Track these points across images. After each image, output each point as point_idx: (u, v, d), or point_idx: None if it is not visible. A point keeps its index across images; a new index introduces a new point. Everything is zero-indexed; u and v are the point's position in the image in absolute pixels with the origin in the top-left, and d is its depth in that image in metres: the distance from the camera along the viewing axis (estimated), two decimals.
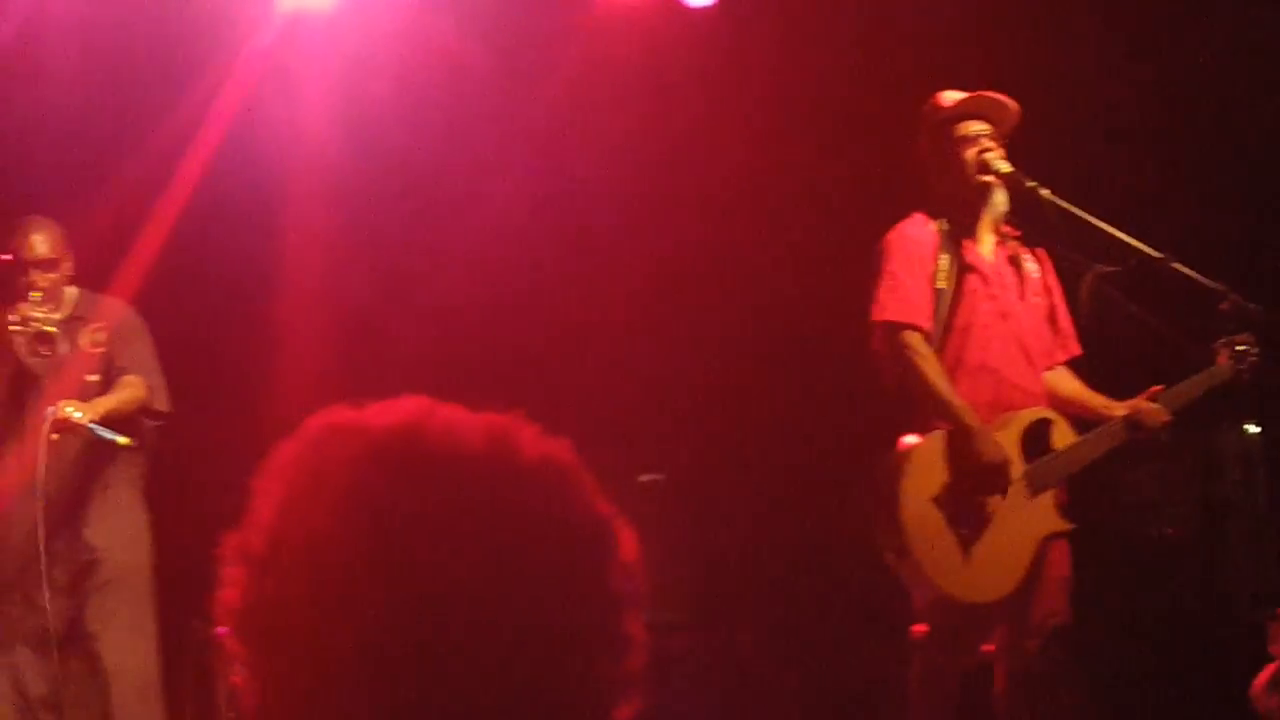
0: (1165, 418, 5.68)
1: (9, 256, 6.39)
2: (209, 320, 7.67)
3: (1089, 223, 5.69)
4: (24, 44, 7.34)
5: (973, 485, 5.48)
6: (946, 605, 5.54)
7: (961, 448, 5.49)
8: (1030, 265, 5.85)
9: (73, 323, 6.43)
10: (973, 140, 5.74)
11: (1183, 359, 5.80)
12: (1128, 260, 5.67)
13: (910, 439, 5.59)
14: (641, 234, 8.17)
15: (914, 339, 5.63)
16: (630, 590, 1.51)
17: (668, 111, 8.09)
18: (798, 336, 7.88)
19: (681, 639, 7.28)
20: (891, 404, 5.72)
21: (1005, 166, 5.71)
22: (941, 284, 5.70)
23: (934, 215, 5.80)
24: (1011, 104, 5.81)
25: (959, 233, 5.77)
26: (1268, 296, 5.78)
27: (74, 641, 6.39)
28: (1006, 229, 5.84)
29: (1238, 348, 5.75)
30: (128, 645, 6.44)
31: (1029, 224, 5.83)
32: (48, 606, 6.23)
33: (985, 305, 5.72)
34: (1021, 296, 5.80)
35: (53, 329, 6.24)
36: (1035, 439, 5.62)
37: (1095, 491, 5.91)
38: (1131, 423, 5.68)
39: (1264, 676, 6.55)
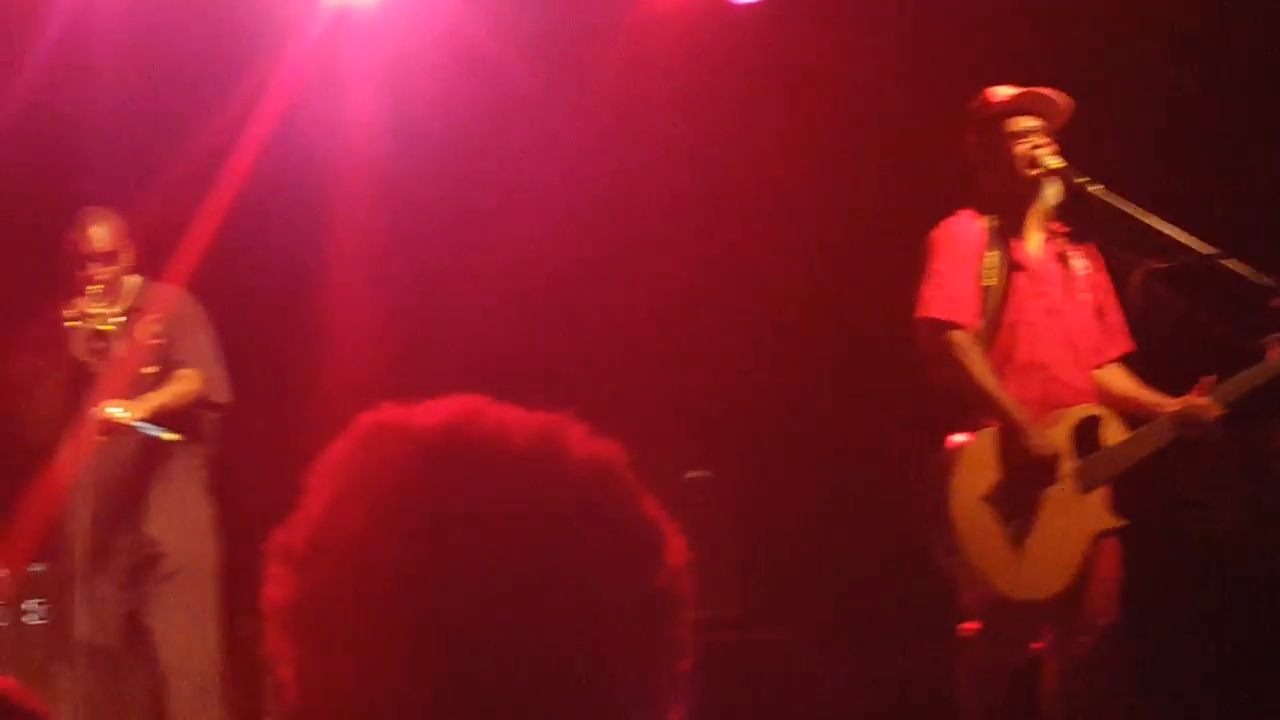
0: (1216, 412, 5.64)
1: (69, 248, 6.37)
2: (256, 317, 7.68)
3: (1139, 218, 5.66)
4: (74, 42, 7.37)
5: (1023, 482, 5.46)
6: (997, 603, 5.52)
7: (1011, 445, 5.47)
8: (1078, 262, 5.82)
9: (131, 314, 6.39)
10: (1023, 136, 5.70)
11: (1233, 355, 5.76)
12: (1178, 256, 5.64)
13: (959, 437, 5.57)
14: (688, 230, 8.16)
15: (960, 337, 5.61)
16: (679, 592, 1.49)
17: (714, 107, 8.08)
18: (845, 334, 7.85)
19: (728, 636, 7.26)
20: (940, 402, 5.70)
21: (1056, 162, 5.68)
22: (989, 281, 5.68)
23: (982, 212, 5.77)
24: (1062, 99, 5.77)
25: (1007, 230, 5.74)
26: None
27: (134, 637, 6.39)
28: (1055, 226, 5.81)
29: None
30: (187, 642, 6.39)
31: (1078, 220, 5.80)
32: (105, 601, 6.26)
33: (1034, 302, 5.70)
34: (1070, 293, 5.77)
35: (109, 327, 6.23)
36: (1086, 436, 5.60)
37: (1145, 489, 5.87)
38: (1183, 419, 5.64)
39: None
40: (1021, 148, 5.69)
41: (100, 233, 6.38)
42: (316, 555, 1.46)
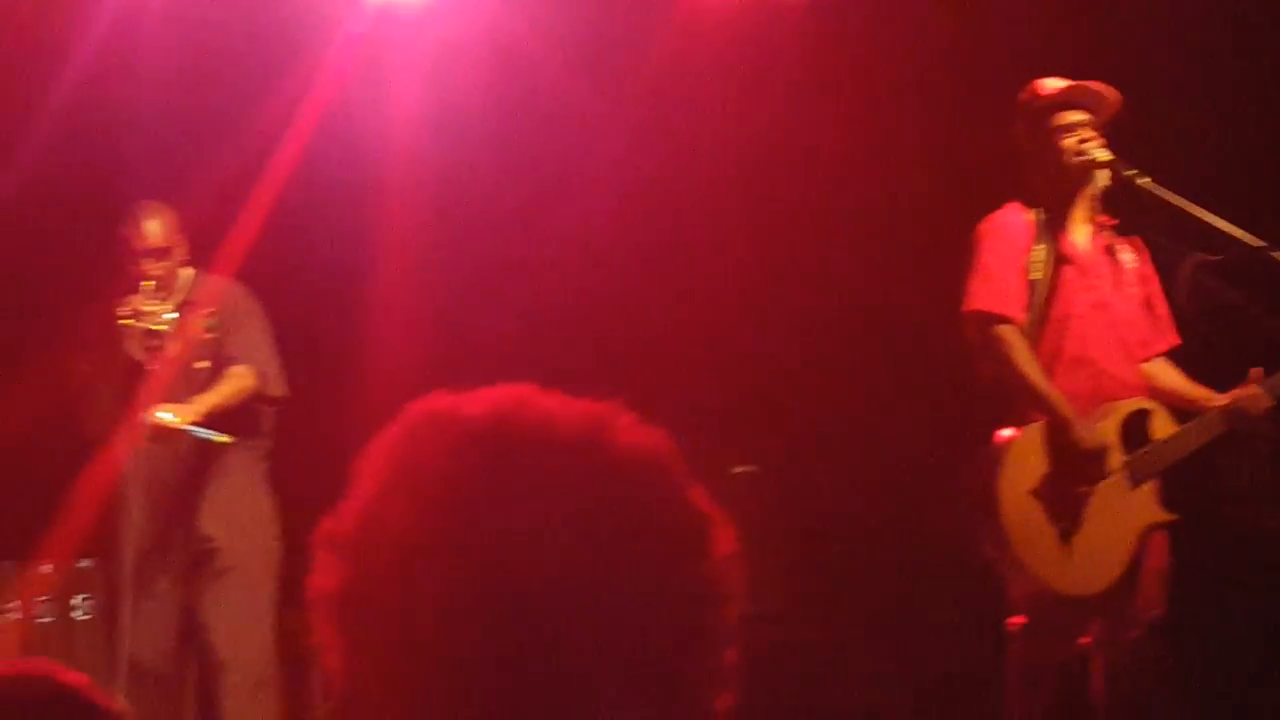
0: (1266, 405, 5.60)
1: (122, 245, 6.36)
2: (302, 308, 7.70)
3: (1188, 211, 5.63)
4: (122, 39, 7.40)
5: (1071, 476, 5.45)
6: (1046, 598, 5.50)
7: (1059, 439, 5.45)
8: (1126, 255, 5.79)
9: (184, 308, 6.37)
10: (1071, 129, 5.68)
11: None
12: (1227, 249, 5.61)
13: (1007, 431, 5.55)
14: (733, 226, 8.15)
15: (1006, 331, 5.59)
16: (726, 581, 1.49)
17: (758, 103, 8.06)
18: (893, 328, 7.83)
19: (775, 631, 7.26)
20: (987, 396, 5.68)
21: (1105, 155, 5.65)
22: (1036, 274, 5.65)
23: (1029, 205, 5.75)
24: (1111, 93, 5.75)
25: (1055, 223, 5.72)
26: None
27: (191, 632, 6.39)
28: (1102, 219, 5.78)
29: None
30: (242, 637, 6.38)
31: (1125, 213, 5.78)
32: (158, 597, 6.27)
33: (1082, 296, 5.67)
34: (1118, 287, 5.75)
35: (163, 326, 6.21)
36: (1135, 430, 5.57)
37: (1195, 482, 5.84)
38: (1232, 412, 5.62)
39: None
40: (1069, 140, 5.67)
41: (153, 227, 6.37)
42: (364, 544, 1.46)
